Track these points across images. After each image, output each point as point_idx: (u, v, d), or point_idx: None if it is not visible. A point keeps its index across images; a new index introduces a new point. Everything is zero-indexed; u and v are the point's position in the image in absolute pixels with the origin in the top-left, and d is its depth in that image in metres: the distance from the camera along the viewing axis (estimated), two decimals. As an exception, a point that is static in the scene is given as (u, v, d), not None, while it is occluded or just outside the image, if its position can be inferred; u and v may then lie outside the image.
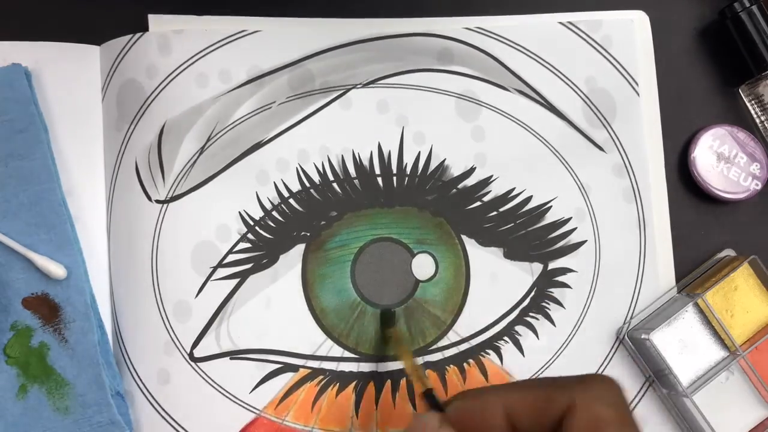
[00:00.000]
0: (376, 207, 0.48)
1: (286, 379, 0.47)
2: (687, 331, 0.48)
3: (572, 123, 0.49)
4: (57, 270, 0.45)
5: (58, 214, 0.46)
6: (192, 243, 0.47)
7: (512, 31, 0.50)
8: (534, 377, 0.48)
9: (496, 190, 0.49)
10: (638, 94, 0.50)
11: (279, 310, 0.47)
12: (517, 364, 0.48)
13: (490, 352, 0.48)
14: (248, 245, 0.48)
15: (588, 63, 0.50)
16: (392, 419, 0.47)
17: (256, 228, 0.48)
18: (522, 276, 0.48)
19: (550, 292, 0.48)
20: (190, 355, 0.47)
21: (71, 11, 0.50)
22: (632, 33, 0.50)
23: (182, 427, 0.46)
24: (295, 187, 0.48)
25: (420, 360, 0.48)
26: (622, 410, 0.32)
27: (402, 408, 0.47)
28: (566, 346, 0.48)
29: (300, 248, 0.48)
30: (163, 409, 0.46)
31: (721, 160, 0.50)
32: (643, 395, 0.48)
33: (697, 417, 0.46)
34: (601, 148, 0.50)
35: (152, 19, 0.49)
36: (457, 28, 0.50)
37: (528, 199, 0.49)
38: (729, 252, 0.50)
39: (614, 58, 0.50)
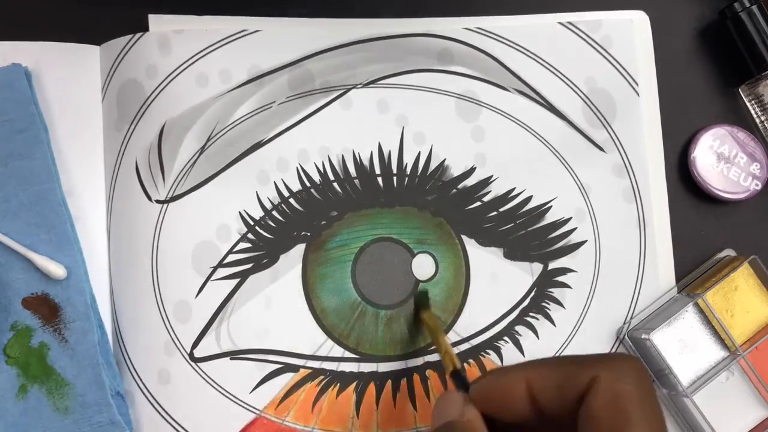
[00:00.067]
0: (377, 207, 0.48)
1: (286, 380, 0.47)
2: (687, 331, 0.48)
3: (572, 123, 0.49)
4: (57, 270, 0.45)
5: (58, 214, 0.46)
6: (192, 243, 0.47)
7: (512, 32, 0.50)
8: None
9: (496, 190, 0.49)
10: (638, 94, 0.50)
11: (279, 310, 0.47)
12: (518, 364, 0.48)
13: (490, 352, 0.48)
14: (248, 245, 0.48)
15: (588, 63, 0.50)
16: (393, 420, 0.47)
17: (257, 228, 0.48)
18: (522, 276, 0.48)
19: (550, 292, 0.48)
20: (191, 355, 0.47)
21: (71, 11, 0.50)
22: (632, 33, 0.50)
23: (182, 427, 0.46)
24: (296, 186, 0.48)
25: (420, 360, 0.48)
26: (644, 388, 0.32)
27: (403, 408, 0.47)
28: (566, 346, 0.48)
29: (300, 248, 0.48)
30: (163, 409, 0.46)
31: (721, 160, 0.50)
32: (643, 395, 0.48)
33: (697, 417, 0.46)
34: (601, 148, 0.50)
35: (152, 19, 0.49)
36: (457, 29, 0.50)
37: (528, 199, 0.49)
38: (729, 252, 0.50)
39: (614, 59, 0.50)
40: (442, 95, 0.49)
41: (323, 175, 0.48)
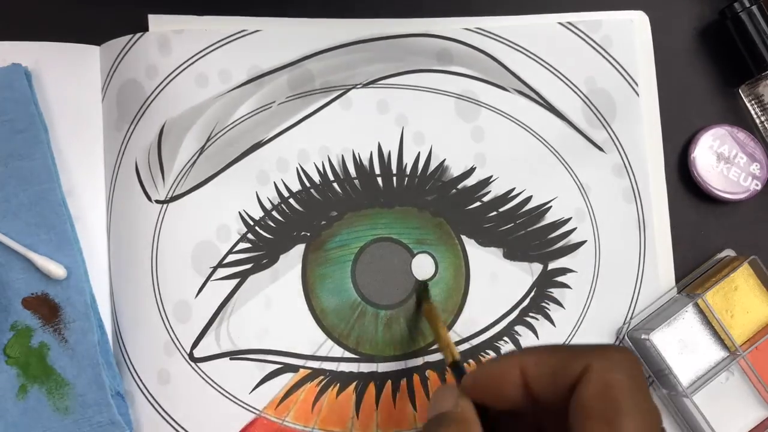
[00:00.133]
0: (376, 207, 0.48)
1: (286, 380, 0.47)
2: (687, 331, 0.48)
3: (572, 123, 0.49)
4: (57, 270, 0.45)
5: (58, 214, 0.46)
6: (192, 243, 0.47)
7: (512, 32, 0.50)
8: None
9: (495, 190, 0.49)
10: (638, 95, 0.50)
11: (279, 310, 0.47)
12: (517, 364, 0.48)
13: (490, 352, 0.48)
14: (248, 245, 0.48)
15: (588, 63, 0.50)
16: (393, 420, 0.47)
17: (256, 228, 0.48)
18: (522, 276, 0.48)
19: (550, 292, 0.48)
20: (190, 355, 0.47)
21: (71, 11, 0.50)
22: (632, 33, 0.50)
23: (182, 427, 0.46)
24: (295, 187, 0.48)
25: (420, 360, 0.48)
26: (636, 379, 0.32)
27: (402, 408, 0.47)
28: (566, 346, 0.48)
29: (300, 248, 0.48)
30: (163, 409, 0.46)
31: (721, 160, 0.50)
32: (643, 395, 0.48)
33: (697, 417, 0.46)
34: (600, 149, 0.50)
35: (152, 19, 0.49)
36: (456, 29, 0.50)
37: (528, 200, 0.49)
38: (729, 252, 0.50)
39: (614, 59, 0.50)
40: (442, 95, 0.49)
41: (323, 175, 0.48)
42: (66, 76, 0.49)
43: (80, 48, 0.49)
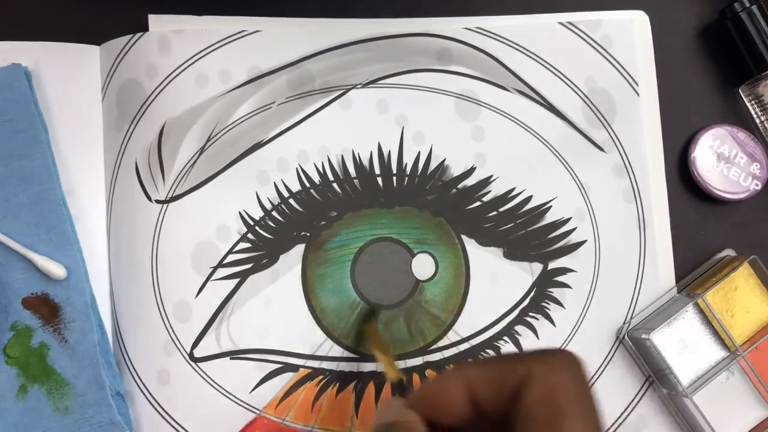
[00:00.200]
0: (376, 207, 0.48)
1: (286, 379, 0.47)
2: (687, 331, 0.48)
3: (572, 123, 0.49)
4: (57, 270, 0.45)
5: (58, 214, 0.46)
6: (192, 243, 0.47)
7: (512, 31, 0.50)
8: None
9: (495, 190, 0.49)
10: (638, 94, 0.50)
11: (279, 310, 0.47)
12: (517, 364, 0.48)
13: (490, 352, 0.48)
14: (248, 245, 0.48)
15: (588, 63, 0.50)
16: (392, 419, 0.47)
17: (256, 228, 0.48)
18: (522, 276, 0.48)
19: (550, 292, 0.48)
20: (190, 355, 0.47)
21: (71, 11, 0.50)
22: (632, 33, 0.50)
23: (182, 427, 0.46)
24: (295, 187, 0.48)
25: (420, 360, 0.48)
26: (579, 382, 0.32)
27: (402, 408, 0.47)
28: (566, 346, 0.48)
29: (300, 248, 0.48)
30: (163, 409, 0.46)
31: (721, 160, 0.50)
32: (643, 395, 0.48)
33: (697, 417, 0.46)
34: (601, 148, 0.50)
35: (152, 19, 0.49)
36: (456, 28, 0.50)
37: (528, 199, 0.49)
38: (729, 252, 0.50)
39: (614, 58, 0.50)
40: (442, 95, 0.49)
41: (323, 175, 0.48)
42: (66, 76, 0.49)
43: (80, 48, 0.49)
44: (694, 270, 0.50)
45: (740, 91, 0.51)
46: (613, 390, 0.48)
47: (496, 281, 0.48)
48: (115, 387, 0.46)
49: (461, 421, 0.34)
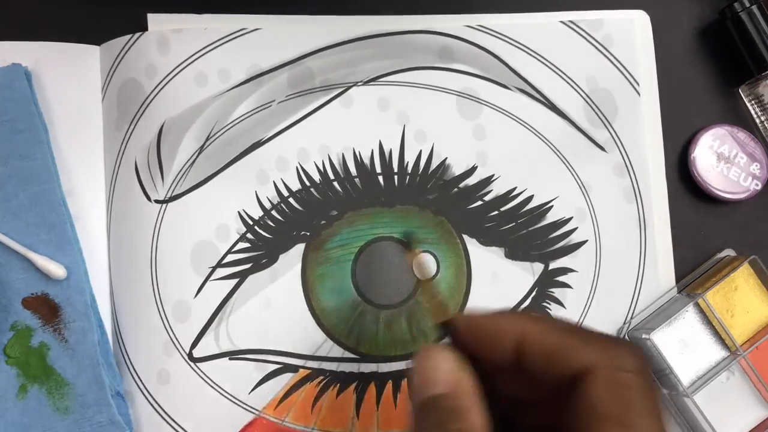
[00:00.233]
0: (377, 206, 0.48)
1: (285, 380, 0.47)
2: (687, 331, 0.48)
3: (573, 122, 0.49)
4: (57, 270, 0.45)
5: (58, 214, 0.46)
6: (191, 243, 0.47)
7: (513, 30, 0.50)
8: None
9: (497, 189, 0.49)
10: (639, 94, 0.50)
11: (279, 310, 0.47)
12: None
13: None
14: (247, 245, 0.47)
15: (589, 62, 0.50)
16: (394, 420, 0.47)
17: (256, 228, 0.48)
18: (523, 276, 0.48)
19: (551, 292, 0.48)
20: (189, 355, 0.47)
21: (71, 11, 0.50)
22: (633, 32, 0.50)
23: (182, 427, 0.46)
24: (295, 186, 0.48)
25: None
26: (648, 379, 0.30)
27: (404, 408, 0.47)
28: (567, 345, 0.48)
29: (300, 248, 0.48)
30: (163, 409, 0.46)
31: (721, 160, 0.50)
32: (643, 395, 0.48)
33: (697, 417, 0.46)
34: (602, 148, 0.50)
35: (151, 18, 0.49)
36: (458, 26, 0.50)
37: (529, 199, 0.49)
38: (729, 252, 0.50)
39: (615, 58, 0.50)
40: (443, 93, 0.49)
41: (323, 174, 0.48)
42: (66, 76, 0.49)
43: (80, 48, 0.49)
44: (694, 270, 0.50)
45: (740, 91, 0.51)
46: (614, 390, 0.48)
47: (497, 281, 0.48)
48: (115, 387, 0.46)
49: (501, 365, 0.32)
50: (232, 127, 0.48)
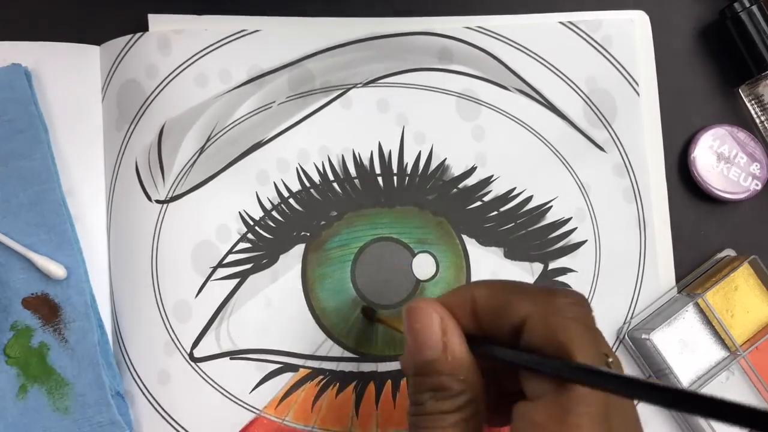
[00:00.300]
0: (377, 207, 0.48)
1: (286, 379, 0.47)
2: (687, 331, 0.48)
3: (573, 123, 0.49)
4: (57, 270, 0.45)
5: (58, 214, 0.46)
6: (192, 243, 0.47)
7: (512, 31, 0.50)
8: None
9: (496, 189, 0.49)
10: (638, 94, 0.50)
11: (279, 310, 0.47)
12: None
13: (491, 352, 0.48)
14: (248, 245, 0.48)
15: (588, 63, 0.50)
16: (393, 419, 0.47)
17: (256, 228, 0.48)
18: (522, 276, 0.48)
19: (551, 292, 0.48)
20: (190, 355, 0.47)
21: (71, 11, 0.50)
22: (632, 33, 0.50)
23: (182, 427, 0.46)
24: (295, 186, 0.48)
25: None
26: (583, 321, 0.32)
27: (403, 408, 0.47)
28: (566, 346, 0.48)
29: (300, 248, 0.48)
30: (163, 409, 0.46)
31: (721, 160, 0.50)
32: (643, 395, 0.48)
33: (697, 417, 0.46)
34: (601, 148, 0.50)
35: (152, 18, 0.49)
36: (457, 27, 0.50)
37: (528, 199, 0.49)
38: (729, 252, 0.50)
39: (614, 58, 0.50)
40: (443, 94, 0.49)
41: (323, 175, 0.48)
42: (66, 76, 0.49)
43: (80, 48, 0.49)
44: (694, 270, 0.50)
45: (740, 91, 0.51)
46: (614, 390, 0.48)
47: (496, 281, 0.48)
48: (115, 387, 0.46)
49: (467, 331, 0.34)
50: (232, 127, 0.48)
